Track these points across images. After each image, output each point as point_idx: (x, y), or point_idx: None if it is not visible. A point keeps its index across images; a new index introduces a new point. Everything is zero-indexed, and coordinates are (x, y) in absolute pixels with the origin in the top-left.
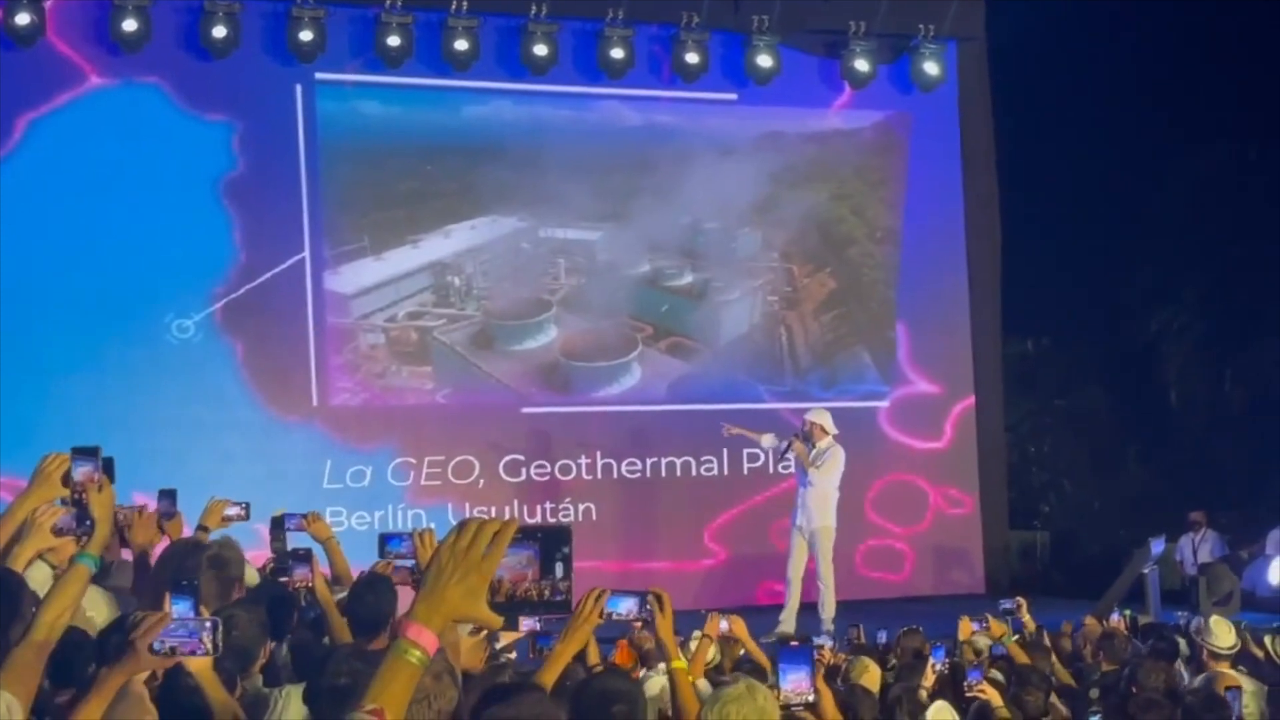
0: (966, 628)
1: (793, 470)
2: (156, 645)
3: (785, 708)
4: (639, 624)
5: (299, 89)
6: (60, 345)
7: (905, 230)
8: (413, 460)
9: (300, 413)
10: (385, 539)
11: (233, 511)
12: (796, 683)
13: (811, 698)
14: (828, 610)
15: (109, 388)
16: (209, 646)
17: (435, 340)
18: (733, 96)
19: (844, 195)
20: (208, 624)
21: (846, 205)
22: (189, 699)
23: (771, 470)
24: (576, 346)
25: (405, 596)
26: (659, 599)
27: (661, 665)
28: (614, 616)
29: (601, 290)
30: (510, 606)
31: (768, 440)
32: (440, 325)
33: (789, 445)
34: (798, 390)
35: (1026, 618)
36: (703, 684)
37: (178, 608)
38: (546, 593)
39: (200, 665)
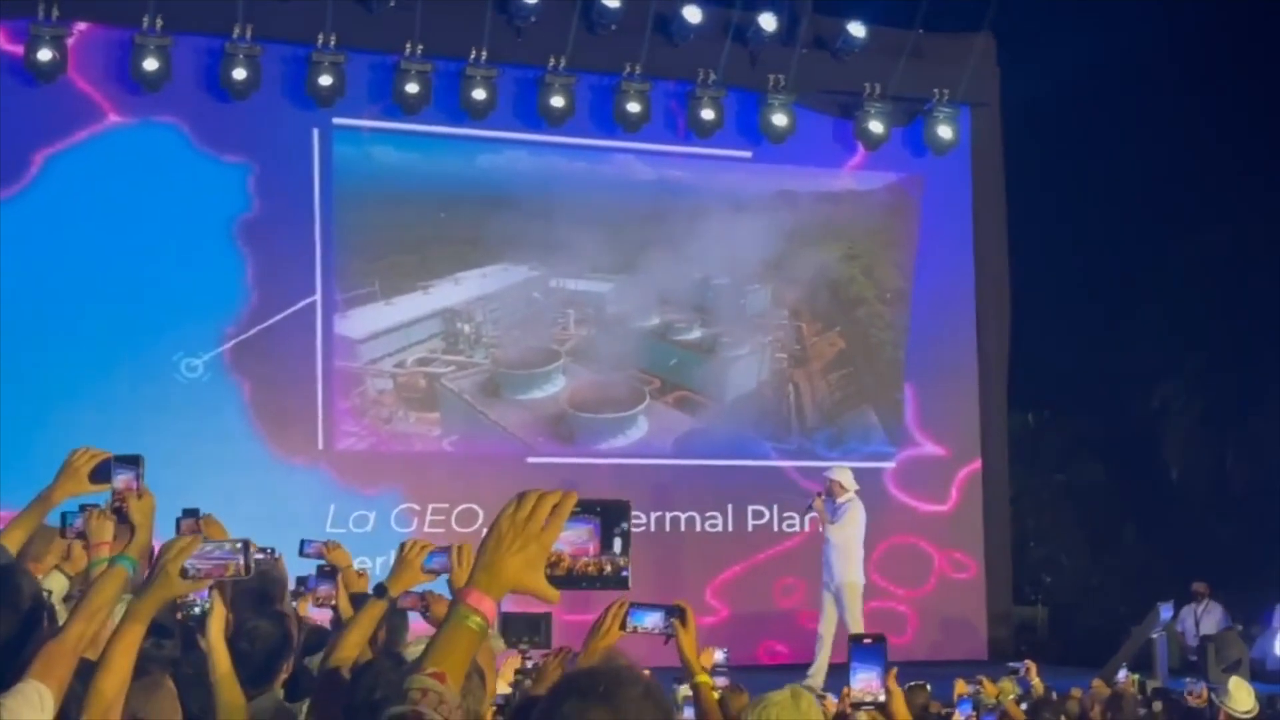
0: (962, 689)
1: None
2: (188, 569)
3: (855, 706)
4: (664, 639)
5: (316, 133)
6: (69, 379)
7: (915, 292)
8: (416, 507)
9: (306, 456)
10: None
11: (259, 557)
12: (867, 681)
13: (882, 697)
14: None
15: (116, 424)
16: (240, 568)
17: (443, 387)
18: (747, 154)
19: (855, 255)
20: (239, 544)
21: (857, 265)
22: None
23: (777, 528)
24: (584, 397)
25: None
26: (682, 613)
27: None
28: (637, 630)
29: (611, 342)
30: (568, 581)
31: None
32: (449, 372)
33: (811, 504)
34: (804, 449)
35: (1035, 680)
36: None
37: None
38: (608, 568)
39: (223, 670)
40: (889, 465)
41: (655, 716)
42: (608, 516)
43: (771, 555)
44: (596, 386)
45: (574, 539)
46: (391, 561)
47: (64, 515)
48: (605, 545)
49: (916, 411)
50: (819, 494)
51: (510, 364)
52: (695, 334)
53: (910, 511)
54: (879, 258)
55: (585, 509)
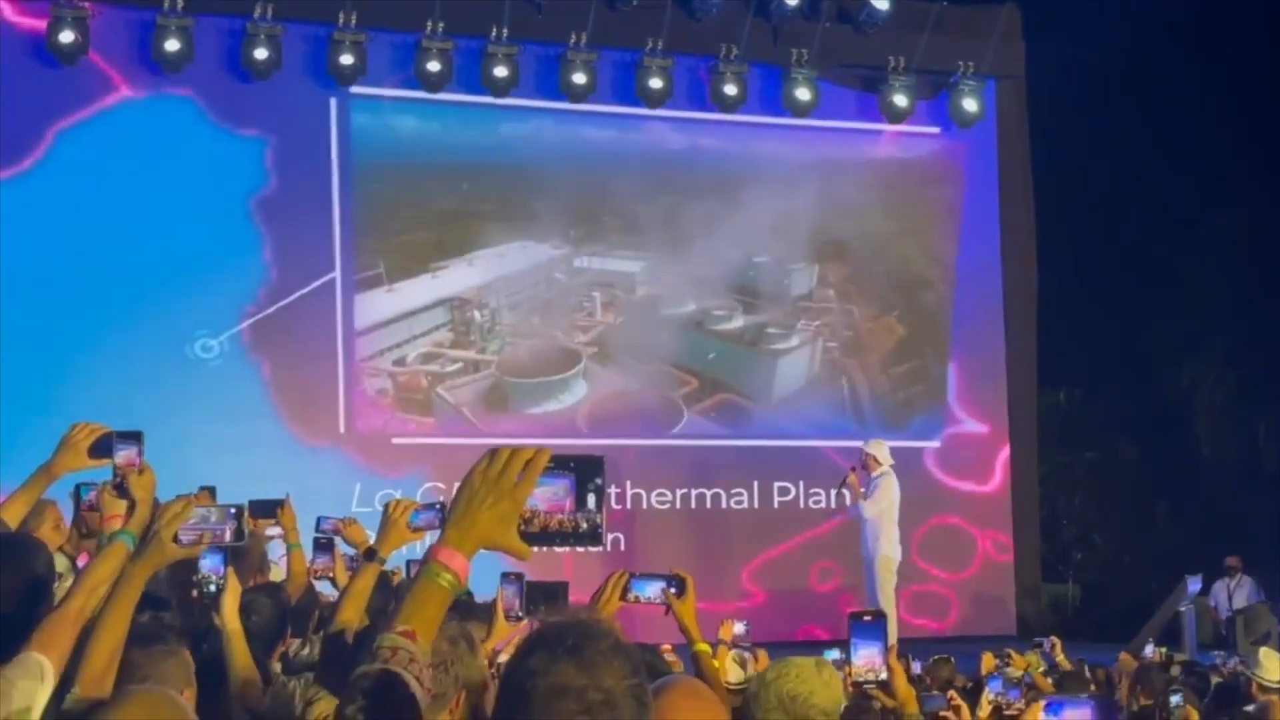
0: (990, 662)
1: (848, 504)
2: (182, 536)
3: (856, 685)
4: (664, 608)
5: (333, 102)
6: (84, 356)
7: (960, 266)
8: (442, 485)
9: (328, 436)
10: None
11: (273, 530)
12: (869, 659)
13: (883, 675)
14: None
15: (132, 404)
16: (233, 534)
17: (439, 397)
18: (779, 120)
19: (909, 230)
20: (231, 511)
21: (913, 241)
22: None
23: (803, 505)
24: (608, 414)
25: None
26: (681, 582)
27: None
28: (638, 599)
29: (641, 330)
30: (542, 537)
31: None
32: (453, 372)
33: (845, 478)
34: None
35: (1060, 657)
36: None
37: (207, 561)
38: (583, 525)
39: (234, 630)
40: (934, 444)
41: (624, 671)
42: (581, 472)
43: (809, 538)
44: (623, 398)
45: (548, 495)
46: (421, 541)
47: (79, 489)
48: (580, 502)
49: (959, 390)
50: (853, 468)
51: (520, 370)
52: (736, 323)
53: (953, 492)
54: (933, 231)
55: (559, 465)
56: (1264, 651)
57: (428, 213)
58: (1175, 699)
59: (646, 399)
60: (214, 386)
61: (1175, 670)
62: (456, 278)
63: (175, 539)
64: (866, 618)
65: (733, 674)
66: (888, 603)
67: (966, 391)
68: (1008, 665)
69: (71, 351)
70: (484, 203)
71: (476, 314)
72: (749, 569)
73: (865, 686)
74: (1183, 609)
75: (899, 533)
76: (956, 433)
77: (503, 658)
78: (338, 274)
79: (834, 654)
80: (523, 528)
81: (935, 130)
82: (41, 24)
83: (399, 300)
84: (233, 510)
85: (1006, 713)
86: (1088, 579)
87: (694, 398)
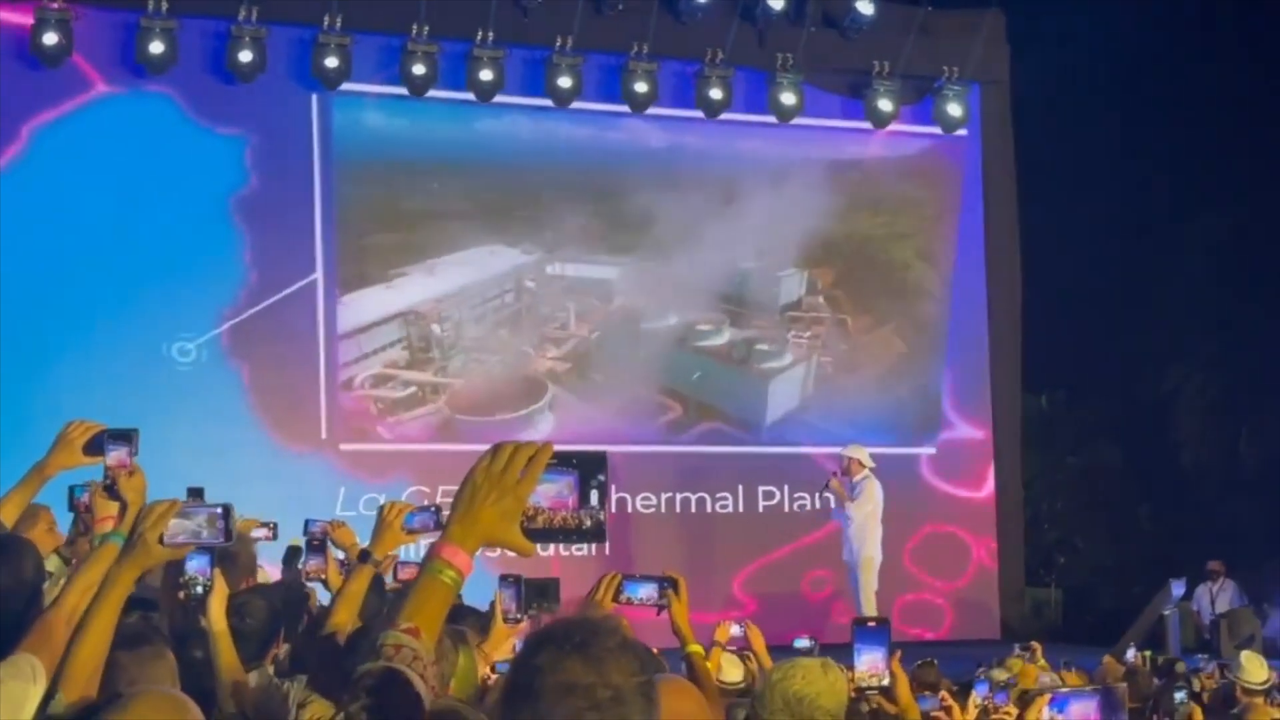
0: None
1: (834, 508)
2: (166, 537)
3: (858, 690)
4: (656, 609)
5: (314, 100)
6: (58, 357)
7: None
8: (426, 489)
9: (310, 441)
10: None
11: (261, 533)
12: (871, 664)
13: (886, 681)
14: None
15: (108, 404)
16: (220, 534)
17: (379, 436)
18: (768, 119)
19: (905, 234)
20: (219, 510)
21: (909, 246)
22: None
23: (790, 510)
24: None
25: None
26: (675, 584)
27: None
28: (631, 601)
29: (619, 346)
30: (545, 534)
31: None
32: (404, 399)
33: (827, 483)
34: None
35: (1042, 662)
36: None
37: (194, 562)
38: (586, 522)
39: (219, 630)
40: (928, 451)
41: (632, 668)
42: (584, 469)
43: (801, 545)
44: (597, 437)
45: (551, 492)
46: (409, 547)
47: (72, 489)
48: (583, 499)
49: (952, 396)
50: (834, 473)
51: (474, 405)
52: (723, 338)
53: (948, 499)
54: (927, 236)
55: (561, 461)
56: (1245, 655)
57: (399, 213)
58: (1179, 695)
59: (624, 434)
60: (192, 389)
61: (1180, 667)
62: (415, 287)
63: (161, 540)
64: (870, 623)
65: (729, 674)
66: (869, 605)
67: (959, 397)
68: (1032, 659)
69: (46, 352)
70: (454, 203)
71: (436, 327)
72: (740, 577)
73: (868, 692)
74: (1166, 613)
75: (881, 534)
76: (950, 439)
77: (497, 655)
78: (319, 276)
79: (803, 643)
80: (526, 524)
81: (926, 130)
82: (17, 19)
83: (350, 314)
84: (220, 511)
85: (1001, 712)
86: (1070, 583)
87: (679, 426)
